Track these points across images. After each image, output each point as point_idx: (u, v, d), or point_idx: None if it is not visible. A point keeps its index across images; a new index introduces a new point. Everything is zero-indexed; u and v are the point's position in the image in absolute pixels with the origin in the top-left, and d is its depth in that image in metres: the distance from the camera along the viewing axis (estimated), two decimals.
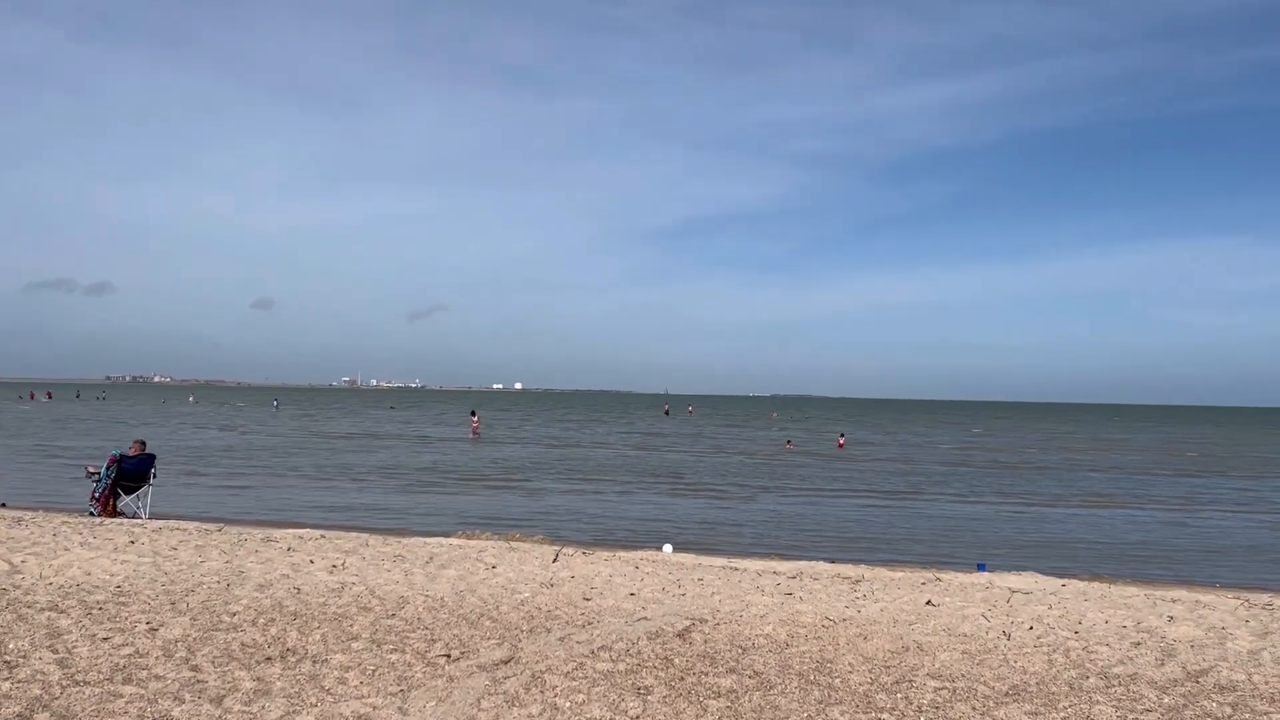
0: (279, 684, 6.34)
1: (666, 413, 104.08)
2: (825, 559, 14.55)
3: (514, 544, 14.73)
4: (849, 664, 7.15)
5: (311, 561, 11.53)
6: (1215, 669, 7.07)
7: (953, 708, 6.13)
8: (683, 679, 6.64)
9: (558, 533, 16.89)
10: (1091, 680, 6.78)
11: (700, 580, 10.93)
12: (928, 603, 9.84)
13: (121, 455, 17.49)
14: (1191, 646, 7.92)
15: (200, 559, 11.48)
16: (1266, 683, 6.73)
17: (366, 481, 27.19)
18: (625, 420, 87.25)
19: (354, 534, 15.54)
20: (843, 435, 52.92)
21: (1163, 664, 7.28)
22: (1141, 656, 7.52)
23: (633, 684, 6.51)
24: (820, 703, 6.19)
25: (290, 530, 15.49)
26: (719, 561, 13.24)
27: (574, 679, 6.58)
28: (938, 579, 12.00)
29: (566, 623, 8.36)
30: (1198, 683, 6.76)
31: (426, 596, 9.39)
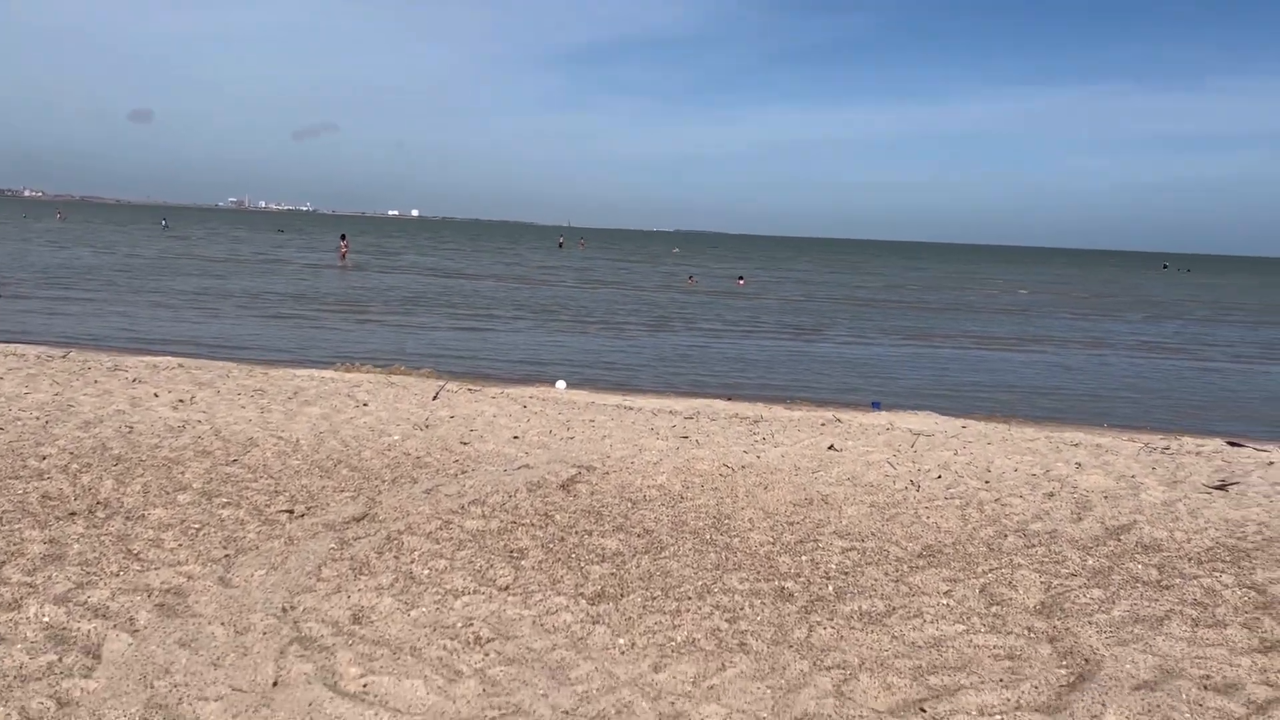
0: (76, 547, 5.28)
1: (561, 245, 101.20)
2: (723, 397, 13.98)
3: (394, 378, 13.69)
4: (749, 520, 6.46)
5: (156, 395, 10.29)
6: (1135, 525, 6.63)
7: (863, 573, 5.50)
8: (563, 539, 5.84)
9: (442, 369, 15.84)
10: (1010, 539, 6.25)
11: (591, 421, 10.12)
12: (830, 447, 9.27)
13: None
14: (1105, 498, 7.51)
15: (26, 390, 10.12)
16: (1189, 540, 6.32)
17: (223, 310, 25.15)
18: (513, 252, 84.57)
19: (218, 364, 14.25)
20: (741, 277, 52.54)
21: (1080, 519, 6.82)
22: (1057, 510, 7.06)
23: (505, 546, 5.67)
24: (717, 568, 5.47)
25: (144, 358, 14.09)
26: (613, 399, 12.49)
27: (437, 540, 5.70)
28: (838, 419, 11.51)
29: (437, 471, 7.44)
30: (1119, 540, 6.29)
31: (279, 439, 8.33)
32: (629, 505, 6.67)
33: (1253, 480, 8.42)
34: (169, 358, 14.59)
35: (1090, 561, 5.80)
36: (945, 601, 5.06)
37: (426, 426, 9.35)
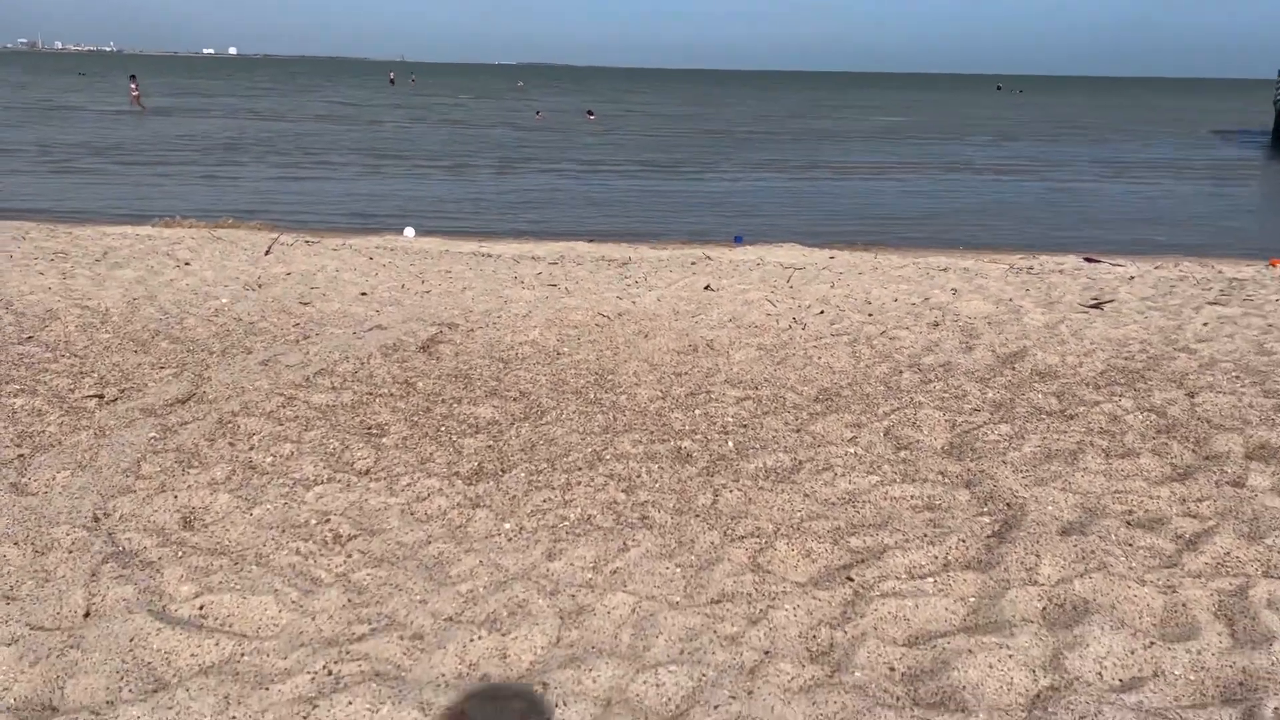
0: None
1: (391, 82, 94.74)
2: (585, 239, 13.27)
3: (220, 232, 12.35)
4: (634, 374, 5.92)
5: None
6: (1026, 352, 6.44)
7: (762, 424, 5.07)
8: (429, 410, 5.17)
9: (276, 221, 14.43)
10: (905, 376, 5.94)
11: (448, 272, 9.29)
12: (706, 287, 8.79)
13: None
14: (990, 324, 7.32)
15: None
16: (1081, 364, 6.17)
17: (10, 164, 21.96)
18: (334, 89, 78.53)
19: (11, 223, 12.56)
20: (591, 111, 50.75)
21: (971, 349, 6.59)
22: (946, 340, 6.81)
23: (361, 422, 4.96)
24: (606, 430, 4.93)
25: None
26: (469, 246, 11.61)
27: (280, 421, 4.94)
28: (707, 257, 11.03)
29: (274, 338, 6.56)
30: (1014, 369, 6.08)
31: (84, 309, 7.20)
32: (500, 366, 6.02)
33: (1122, 296, 8.44)
34: None
35: (990, 394, 5.55)
36: (852, 450, 4.70)
37: (259, 286, 8.34)
